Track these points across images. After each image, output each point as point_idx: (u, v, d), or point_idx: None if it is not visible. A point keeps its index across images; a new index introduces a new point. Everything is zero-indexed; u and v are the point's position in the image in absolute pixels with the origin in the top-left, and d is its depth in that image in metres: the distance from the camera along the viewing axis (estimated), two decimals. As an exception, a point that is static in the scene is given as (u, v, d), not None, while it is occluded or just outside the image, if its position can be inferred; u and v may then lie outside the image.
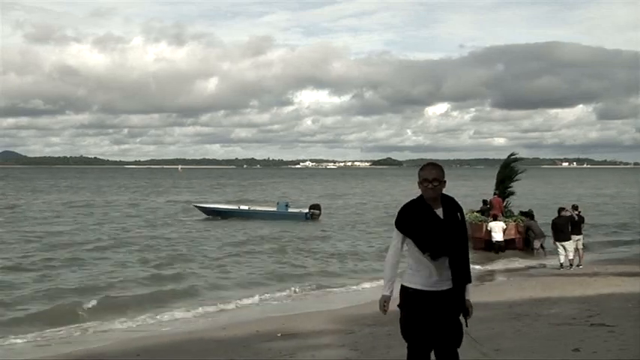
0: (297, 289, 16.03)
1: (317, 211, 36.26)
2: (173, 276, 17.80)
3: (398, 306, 4.86)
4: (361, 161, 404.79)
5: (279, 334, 10.30)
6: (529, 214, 22.55)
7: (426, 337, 4.70)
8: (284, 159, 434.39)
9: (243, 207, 39.97)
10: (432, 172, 4.77)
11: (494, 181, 25.38)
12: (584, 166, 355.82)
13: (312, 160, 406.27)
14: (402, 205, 4.91)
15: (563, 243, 17.94)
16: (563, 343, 7.94)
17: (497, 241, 21.85)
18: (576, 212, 18.74)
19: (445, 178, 4.82)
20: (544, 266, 19.39)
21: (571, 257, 17.91)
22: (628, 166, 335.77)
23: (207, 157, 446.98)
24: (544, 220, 22.56)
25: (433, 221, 4.71)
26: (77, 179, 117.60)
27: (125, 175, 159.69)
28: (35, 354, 10.38)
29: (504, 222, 22.24)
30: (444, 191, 4.87)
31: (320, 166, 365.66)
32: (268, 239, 26.67)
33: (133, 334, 11.66)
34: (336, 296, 15.56)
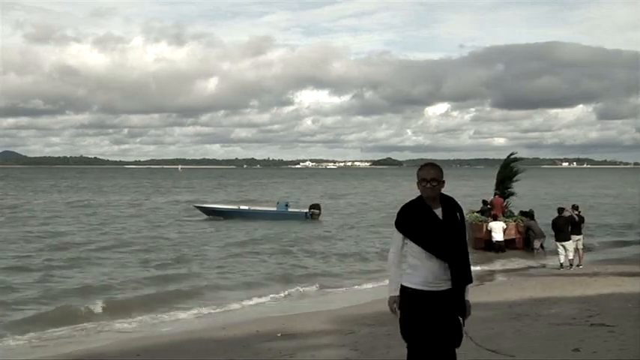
0: (297, 290, 16.03)
1: (317, 211, 36.29)
2: (173, 276, 17.81)
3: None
4: (361, 161, 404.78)
5: (279, 334, 10.30)
6: (529, 214, 22.56)
7: (426, 337, 4.70)
8: (284, 159, 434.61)
9: (243, 207, 39.99)
10: (430, 172, 4.78)
11: (494, 181, 25.40)
12: (584, 166, 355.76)
13: (312, 160, 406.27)
14: (401, 206, 4.91)
15: (563, 243, 17.94)
16: (563, 343, 7.94)
17: (497, 241, 21.85)
18: (576, 212, 18.73)
19: (444, 179, 4.83)
20: (544, 266, 19.40)
21: (571, 257, 17.91)
22: (628, 166, 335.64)
23: (207, 157, 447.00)
24: (545, 220, 22.54)
25: (432, 222, 4.71)
26: (77, 179, 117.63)
27: (125, 175, 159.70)
28: (35, 354, 10.39)
29: (504, 222, 22.24)
30: (443, 191, 4.87)
31: (320, 166, 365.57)
32: (268, 239, 26.69)
33: (133, 334, 11.67)
34: (336, 296, 15.57)
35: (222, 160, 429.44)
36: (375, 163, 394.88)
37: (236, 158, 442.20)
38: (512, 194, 24.35)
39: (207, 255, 22.15)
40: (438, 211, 4.75)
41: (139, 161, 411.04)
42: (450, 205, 4.82)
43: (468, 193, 51.27)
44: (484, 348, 4.84)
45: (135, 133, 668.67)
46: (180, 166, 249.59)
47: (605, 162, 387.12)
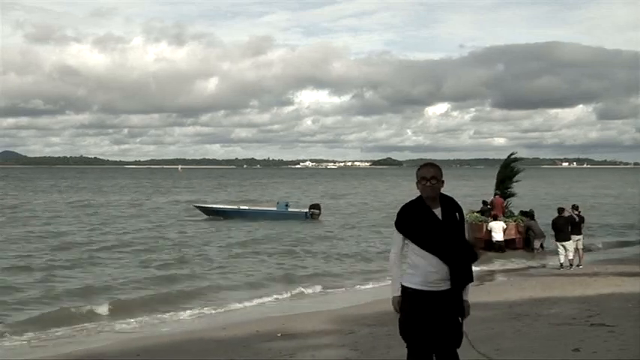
0: (297, 290, 16.02)
1: (317, 211, 36.30)
2: (174, 277, 17.80)
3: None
4: (361, 161, 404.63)
5: (279, 334, 10.30)
6: (529, 215, 22.56)
7: (426, 337, 4.70)
8: (284, 159, 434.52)
9: (243, 207, 39.99)
10: (430, 171, 4.79)
11: (494, 181, 25.39)
12: (584, 166, 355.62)
13: (312, 160, 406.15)
14: (401, 206, 4.92)
15: (563, 243, 17.94)
16: (563, 343, 7.94)
17: (497, 241, 21.86)
18: (576, 212, 18.73)
19: (443, 178, 4.85)
20: (544, 266, 19.41)
21: (571, 257, 17.91)
22: (628, 166, 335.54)
23: (207, 157, 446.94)
24: (545, 220, 22.55)
25: (431, 222, 4.72)
26: (77, 179, 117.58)
27: (125, 175, 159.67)
28: (35, 354, 10.39)
29: (504, 222, 22.24)
30: (443, 191, 4.88)
31: (320, 166, 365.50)
32: (269, 239, 26.69)
33: (133, 334, 11.67)
34: (336, 296, 15.57)
35: (222, 160, 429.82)
36: (375, 163, 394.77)
37: (236, 158, 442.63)
38: (512, 194, 24.36)
39: (208, 255, 22.14)
40: (438, 211, 4.76)
41: (139, 161, 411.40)
42: (450, 204, 4.83)
43: (468, 193, 51.25)
44: (477, 351, 4.85)
45: (135, 133, 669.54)
46: (180, 166, 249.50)
47: (605, 162, 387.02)
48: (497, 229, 21.93)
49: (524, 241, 22.40)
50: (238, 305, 14.40)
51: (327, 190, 78.27)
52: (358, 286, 16.77)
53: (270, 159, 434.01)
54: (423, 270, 4.70)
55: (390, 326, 7.82)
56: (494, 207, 23.16)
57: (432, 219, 4.73)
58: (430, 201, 4.78)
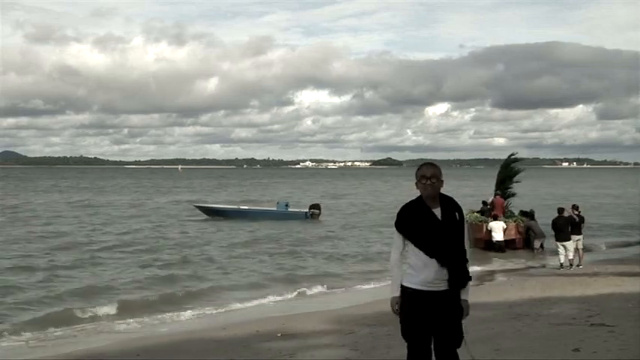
0: (298, 290, 16.02)
1: (317, 211, 36.31)
2: (175, 277, 17.80)
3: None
4: (361, 161, 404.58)
5: (279, 334, 10.30)
6: (530, 215, 22.56)
7: (426, 337, 4.71)
8: (284, 159, 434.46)
9: (243, 207, 39.98)
10: (430, 170, 4.81)
11: (494, 182, 25.40)
12: (584, 166, 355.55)
13: (312, 160, 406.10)
14: (401, 206, 4.92)
15: (563, 243, 17.94)
16: (563, 343, 7.94)
17: (497, 241, 21.86)
18: (576, 212, 18.73)
19: (442, 178, 4.87)
20: (544, 266, 19.40)
21: (571, 257, 17.92)
22: (628, 166, 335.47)
23: (207, 157, 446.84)
24: (546, 220, 22.52)
25: (431, 223, 4.72)
26: (78, 179, 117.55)
27: (125, 175, 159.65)
28: (35, 354, 10.39)
29: (504, 222, 22.24)
30: (443, 191, 4.88)
31: (320, 166, 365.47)
32: (269, 239, 26.69)
33: (133, 334, 11.68)
34: (336, 296, 15.57)
35: (222, 160, 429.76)
36: (375, 163, 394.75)
37: (236, 158, 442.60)
38: (512, 194, 24.37)
39: (209, 255, 22.13)
40: (437, 211, 4.76)
41: (139, 161, 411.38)
42: (449, 204, 4.84)
43: (468, 193, 51.24)
44: (471, 356, 4.87)
45: (135, 133, 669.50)
46: (180, 166, 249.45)
47: (605, 162, 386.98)
48: (498, 229, 21.93)
49: (525, 241, 22.40)
50: (238, 305, 14.41)
51: (327, 190, 78.26)
52: (358, 286, 16.77)
53: (270, 159, 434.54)
54: (423, 270, 4.71)
55: (390, 326, 7.82)
56: (495, 207, 23.17)
57: (431, 219, 4.73)
58: (430, 200, 4.78)
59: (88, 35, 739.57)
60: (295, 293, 15.72)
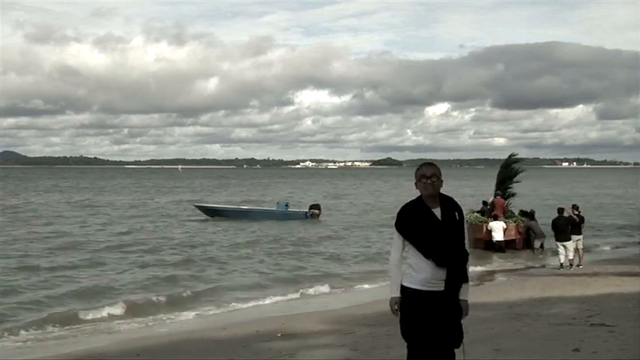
0: (297, 290, 16.02)
1: (317, 211, 36.32)
2: (176, 277, 17.79)
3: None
4: (361, 161, 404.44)
5: (279, 334, 10.30)
6: (530, 215, 22.56)
7: (426, 337, 4.71)
8: (284, 159, 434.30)
9: (243, 207, 39.97)
10: (429, 169, 4.82)
11: (494, 182, 25.40)
12: (584, 166, 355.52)
13: (312, 160, 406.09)
14: (401, 206, 4.93)
15: (563, 243, 17.95)
16: (563, 343, 7.94)
17: (497, 241, 21.86)
18: (576, 212, 18.73)
19: (442, 178, 4.87)
20: (544, 266, 19.41)
21: (571, 257, 17.92)
22: (628, 166, 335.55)
23: (207, 157, 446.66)
24: (547, 220, 22.50)
25: (431, 224, 4.72)
26: (78, 179, 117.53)
27: (125, 175, 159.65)
28: (35, 354, 10.39)
29: (505, 222, 22.24)
30: (442, 191, 4.89)
31: (320, 166, 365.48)
32: (269, 239, 26.68)
33: (133, 334, 11.68)
34: (336, 296, 15.57)
35: (222, 160, 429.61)
36: (375, 163, 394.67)
37: (236, 158, 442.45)
38: (512, 194, 24.37)
39: (210, 255, 22.11)
40: (437, 211, 4.76)
41: (139, 161, 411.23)
42: (449, 204, 4.84)
43: (468, 193, 51.28)
44: (463, 356, 4.89)
45: (135, 133, 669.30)
46: (180, 166, 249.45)
47: (605, 162, 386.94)
48: (498, 229, 21.93)
49: (525, 241, 22.40)
50: (238, 305, 14.41)
51: (328, 190, 78.25)
52: (358, 286, 16.77)
53: (270, 159, 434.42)
54: (424, 270, 4.71)
55: (390, 326, 7.82)
56: (495, 207, 23.17)
57: (431, 220, 4.73)
58: (430, 200, 4.78)
59: (88, 35, 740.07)
60: (295, 293, 15.71)
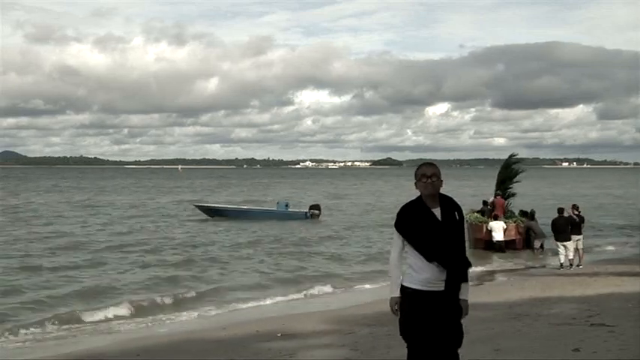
0: (297, 290, 16.02)
1: (317, 211, 36.32)
2: (177, 277, 17.79)
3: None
4: (361, 161, 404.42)
5: (279, 334, 10.30)
6: (530, 215, 22.56)
7: (426, 337, 4.71)
8: (284, 159, 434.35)
9: (243, 206, 39.97)
10: (429, 169, 4.83)
11: (494, 182, 25.39)
12: (584, 166, 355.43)
13: (312, 160, 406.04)
14: (401, 206, 4.93)
15: (563, 243, 17.95)
16: (563, 343, 7.95)
17: (497, 241, 21.86)
18: (576, 212, 18.73)
19: (442, 178, 4.88)
20: (544, 266, 19.41)
21: (571, 257, 17.92)
22: (628, 166, 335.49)
23: (207, 157, 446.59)
24: (547, 220, 22.48)
25: (431, 223, 4.73)
26: (78, 179, 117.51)
27: (125, 175, 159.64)
28: (35, 354, 10.39)
29: (505, 222, 22.24)
30: (442, 191, 4.89)
31: (320, 166, 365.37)
32: (269, 239, 26.68)
33: (133, 334, 11.68)
34: (337, 296, 15.57)
35: (222, 160, 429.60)
36: (375, 163, 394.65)
37: (236, 158, 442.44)
38: (512, 194, 24.38)
39: (210, 255, 22.11)
40: (437, 211, 4.77)
41: (139, 161, 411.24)
42: (449, 204, 4.84)
43: (468, 193, 51.23)
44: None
45: (135, 133, 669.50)
46: (180, 166, 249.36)
47: (605, 162, 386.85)
48: (498, 229, 21.93)
49: (525, 241, 22.40)
50: (239, 305, 14.41)
51: (328, 190, 78.22)
52: (358, 286, 16.76)
53: (270, 159, 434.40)
54: (424, 270, 4.71)
55: (390, 326, 7.82)
56: (496, 207, 23.17)
57: (431, 220, 4.73)
58: (430, 200, 4.79)
59: (88, 35, 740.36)
60: (296, 293, 15.71)
